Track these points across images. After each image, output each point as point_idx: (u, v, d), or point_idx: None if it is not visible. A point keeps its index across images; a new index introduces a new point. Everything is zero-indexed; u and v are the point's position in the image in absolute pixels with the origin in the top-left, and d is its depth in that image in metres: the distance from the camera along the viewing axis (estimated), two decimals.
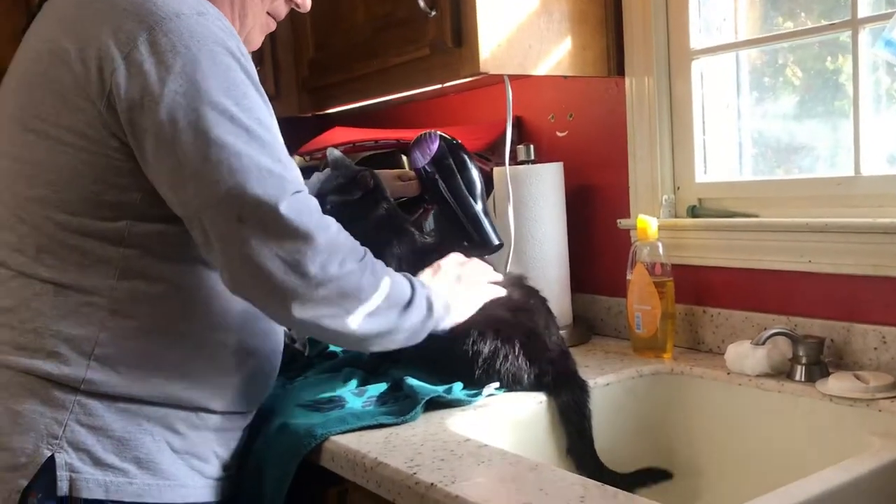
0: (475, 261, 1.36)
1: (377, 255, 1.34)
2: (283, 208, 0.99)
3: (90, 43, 1.01)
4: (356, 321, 1.07)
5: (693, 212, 1.60)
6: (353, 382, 1.37)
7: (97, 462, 1.03)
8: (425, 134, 1.55)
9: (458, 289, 1.27)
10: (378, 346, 1.15)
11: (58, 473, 1.01)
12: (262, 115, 1.04)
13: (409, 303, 1.14)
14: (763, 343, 1.31)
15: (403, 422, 1.20)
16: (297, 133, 2.25)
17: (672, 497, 1.33)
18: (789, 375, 1.32)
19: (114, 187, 1.03)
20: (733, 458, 1.37)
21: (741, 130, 1.62)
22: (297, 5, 1.27)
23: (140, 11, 1.01)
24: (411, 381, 1.31)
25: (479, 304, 1.30)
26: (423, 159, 1.53)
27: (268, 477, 1.19)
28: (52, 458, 1.01)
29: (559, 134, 1.84)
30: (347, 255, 1.05)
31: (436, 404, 1.26)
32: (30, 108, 1.07)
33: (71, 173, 1.04)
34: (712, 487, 1.40)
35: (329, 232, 1.03)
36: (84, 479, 1.02)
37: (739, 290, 1.51)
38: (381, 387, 1.35)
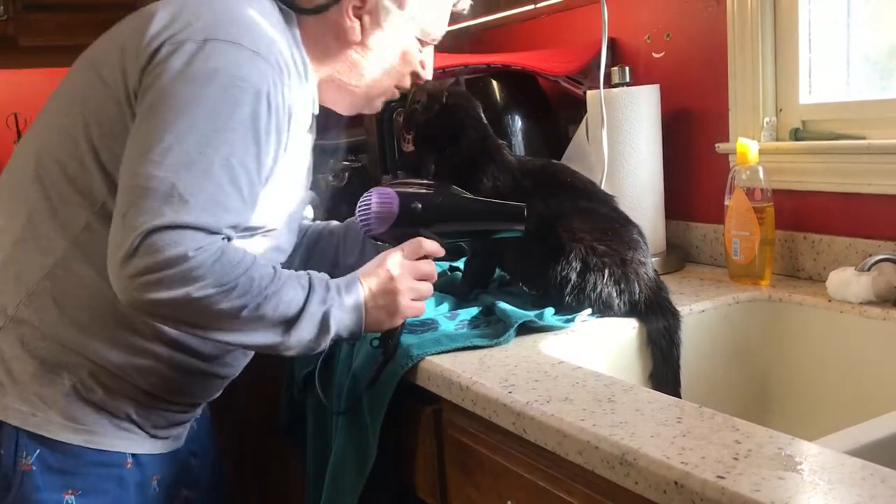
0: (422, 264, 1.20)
1: (469, 183, 1.32)
2: (156, 233, 0.97)
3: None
4: (224, 336, 1.05)
5: (796, 134, 1.54)
6: (445, 307, 1.39)
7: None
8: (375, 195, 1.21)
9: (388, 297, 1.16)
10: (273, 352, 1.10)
11: None
12: (237, 155, 1.03)
13: (295, 320, 1.07)
14: (868, 269, 1.27)
15: (497, 344, 1.22)
16: None
17: (767, 424, 1.32)
18: (895, 303, 1.28)
19: None
20: (832, 387, 1.34)
21: (850, 48, 1.54)
22: (418, 77, 1.31)
23: (203, 24, 1.06)
24: (503, 305, 1.32)
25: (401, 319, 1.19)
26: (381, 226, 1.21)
27: (367, 395, 1.23)
28: None
29: (655, 55, 1.79)
30: (205, 277, 1.00)
31: (528, 329, 1.27)
32: None
33: None
34: (808, 415, 1.37)
35: (191, 262, 0.98)
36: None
37: (843, 215, 1.45)
38: (473, 311, 1.36)
